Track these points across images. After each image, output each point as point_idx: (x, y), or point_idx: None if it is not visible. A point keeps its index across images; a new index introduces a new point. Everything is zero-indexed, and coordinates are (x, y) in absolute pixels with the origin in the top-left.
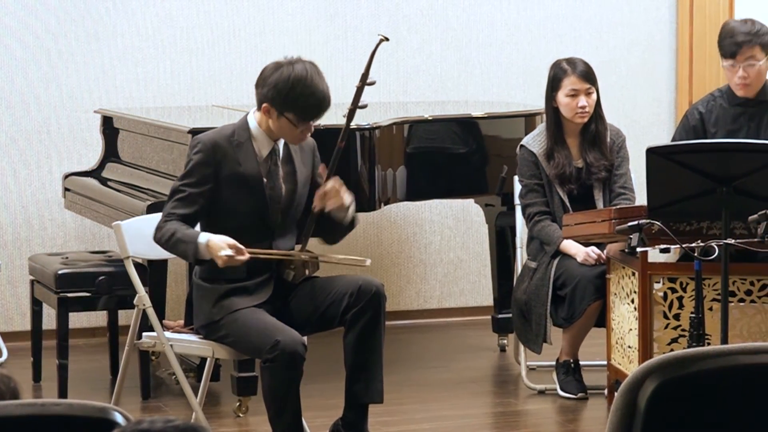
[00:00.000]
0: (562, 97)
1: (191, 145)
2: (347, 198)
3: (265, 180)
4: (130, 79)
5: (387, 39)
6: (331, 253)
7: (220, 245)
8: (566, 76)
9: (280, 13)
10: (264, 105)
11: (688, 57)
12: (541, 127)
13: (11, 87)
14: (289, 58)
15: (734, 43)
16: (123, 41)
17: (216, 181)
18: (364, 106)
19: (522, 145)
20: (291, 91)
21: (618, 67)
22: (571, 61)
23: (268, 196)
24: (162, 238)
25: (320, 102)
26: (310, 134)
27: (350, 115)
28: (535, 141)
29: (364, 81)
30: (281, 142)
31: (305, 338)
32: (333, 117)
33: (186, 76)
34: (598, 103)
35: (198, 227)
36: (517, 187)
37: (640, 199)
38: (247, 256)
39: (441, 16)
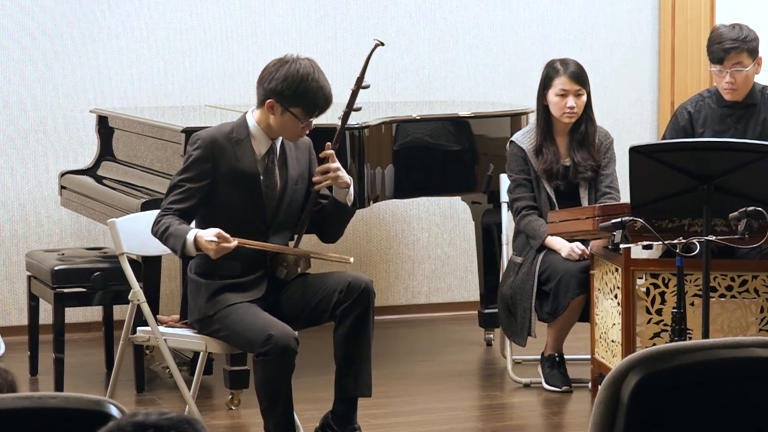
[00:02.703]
0: (552, 96)
1: (190, 142)
2: (347, 177)
3: (261, 177)
4: (125, 79)
5: (382, 44)
6: (320, 251)
7: (205, 235)
8: (558, 75)
9: (271, 15)
10: (268, 101)
11: (670, 58)
12: (531, 124)
13: (8, 87)
14: (290, 55)
15: (722, 49)
16: (118, 42)
17: (214, 176)
18: (358, 109)
19: (512, 141)
20: (300, 86)
21: (601, 67)
22: (564, 62)
23: (264, 193)
24: (158, 232)
25: (327, 97)
26: (308, 131)
27: (345, 118)
28: (525, 137)
29: (359, 84)
30: (279, 141)
31: (297, 333)
32: (324, 117)
33: (179, 77)
34: (588, 104)
35: (194, 222)
36: (506, 183)
37: (624, 197)
38: (234, 243)
39: (428, 18)
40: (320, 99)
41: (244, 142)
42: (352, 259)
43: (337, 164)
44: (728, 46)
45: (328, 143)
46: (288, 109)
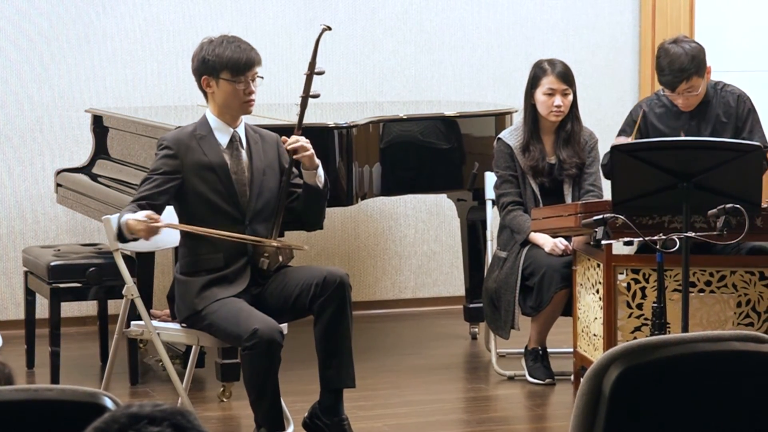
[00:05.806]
0: (539, 95)
1: (156, 145)
2: (315, 158)
3: (229, 164)
4: (119, 80)
5: (329, 28)
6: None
7: (137, 217)
8: (545, 75)
9: (262, 17)
10: (202, 79)
11: (651, 59)
12: (518, 122)
13: (6, 87)
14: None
15: (672, 81)
16: (112, 44)
17: (183, 171)
18: (316, 96)
19: (499, 138)
20: (216, 49)
21: (584, 68)
22: (551, 62)
23: (234, 180)
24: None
25: (247, 51)
26: (253, 96)
27: (303, 103)
28: (512, 135)
29: (312, 69)
30: (241, 129)
31: (283, 326)
32: (287, 114)
33: (172, 77)
34: (574, 104)
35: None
36: (491, 181)
37: (606, 194)
38: (160, 222)
39: (415, 20)
40: (240, 54)
41: (207, 137)
42: (306, 247)
43: (304, 140)
44: (678, 78)
45: (284, 137)
46: (219, 77)
